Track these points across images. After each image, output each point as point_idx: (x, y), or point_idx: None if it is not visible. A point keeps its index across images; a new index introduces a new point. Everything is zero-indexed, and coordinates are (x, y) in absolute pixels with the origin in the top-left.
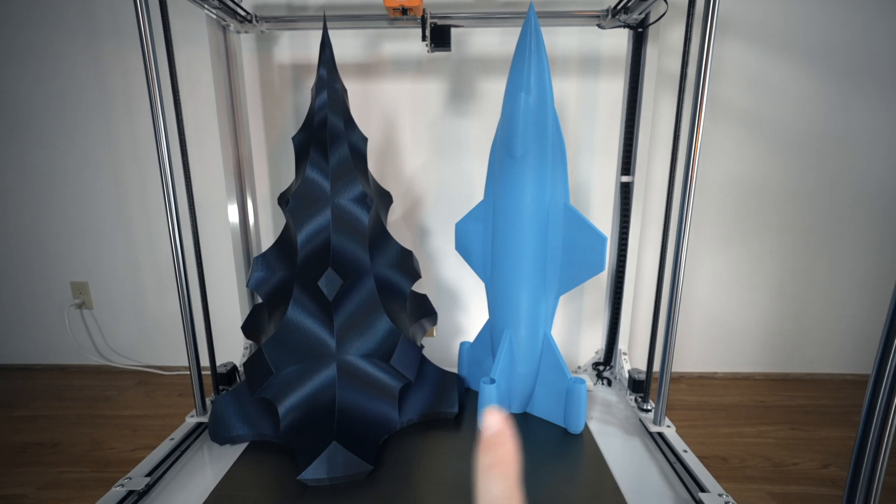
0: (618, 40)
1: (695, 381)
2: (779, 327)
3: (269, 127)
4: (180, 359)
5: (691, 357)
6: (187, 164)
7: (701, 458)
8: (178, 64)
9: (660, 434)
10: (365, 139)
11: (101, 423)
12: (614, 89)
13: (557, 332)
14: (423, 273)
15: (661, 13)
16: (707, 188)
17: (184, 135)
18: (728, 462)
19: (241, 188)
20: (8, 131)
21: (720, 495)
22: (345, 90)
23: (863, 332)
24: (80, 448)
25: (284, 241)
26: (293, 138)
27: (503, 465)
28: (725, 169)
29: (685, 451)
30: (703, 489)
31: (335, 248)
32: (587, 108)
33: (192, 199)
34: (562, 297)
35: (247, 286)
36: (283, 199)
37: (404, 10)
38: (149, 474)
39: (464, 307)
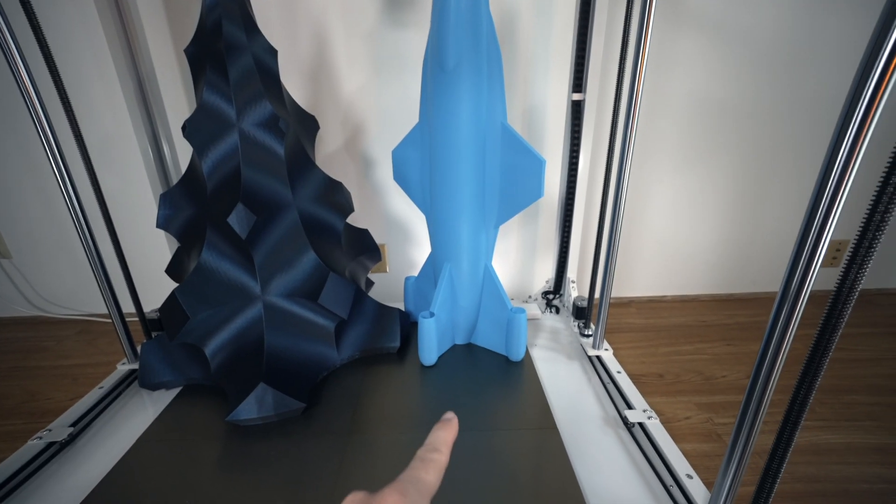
0: None
1: (644, 304)
2: (728, 250)
3: (176, 37)
4: (127, 304)
5: (642, 282)
6: (65, 97)
7: (638, 375)
8: None
9: (598, 357)
10: (273, 51)
11: (36, 375)
12: None
13: (512, 263)
14: (371, 206)
15: None
16: (667, 107)
17: (54, 65)
18: (663, 378)
19: (150, 117)
20: None
21: (644, 411)
22: None
23: None
24: (13, 401)
25: (191, 175)
26: (185, 50)
27: None
28: (689, 86)
29: (619, 373)
30: (630, 406)
31: (246, 180)
32: (541, 20)
33: (80, 132)
34: (515, 225)
35: (156, 226)
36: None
37: None
38: (73, 424)
39: (417, 241)
